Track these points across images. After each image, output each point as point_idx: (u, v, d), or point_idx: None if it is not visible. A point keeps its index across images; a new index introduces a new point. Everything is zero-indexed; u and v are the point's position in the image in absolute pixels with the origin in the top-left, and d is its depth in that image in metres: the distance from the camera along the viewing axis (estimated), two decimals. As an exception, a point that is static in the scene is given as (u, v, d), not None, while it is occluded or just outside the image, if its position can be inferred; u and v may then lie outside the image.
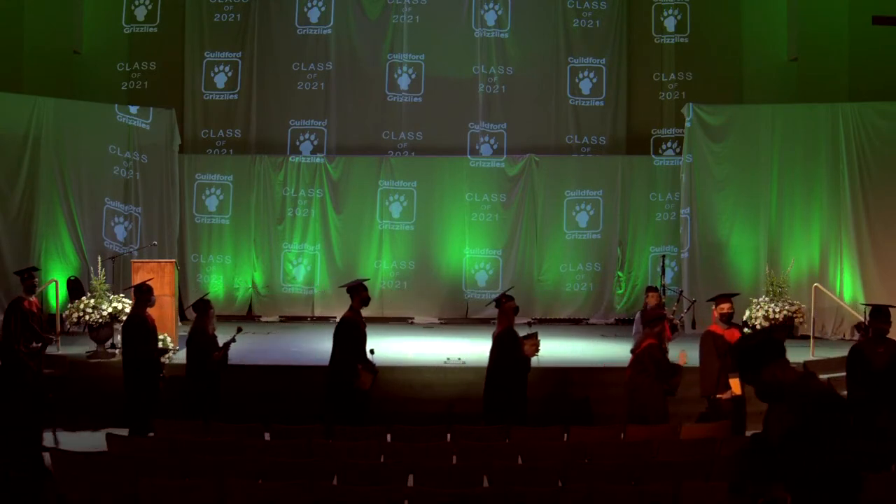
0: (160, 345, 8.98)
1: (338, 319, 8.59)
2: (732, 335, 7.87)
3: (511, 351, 8.08)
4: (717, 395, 7.87)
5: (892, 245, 12.68)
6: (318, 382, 9.68)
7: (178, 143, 14.55)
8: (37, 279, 9.24)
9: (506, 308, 8.34)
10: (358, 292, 8.32)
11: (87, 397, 9.40)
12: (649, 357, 7.66)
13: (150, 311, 8.80)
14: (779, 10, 14.87)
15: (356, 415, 7.95)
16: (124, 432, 7.65)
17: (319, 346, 11.78)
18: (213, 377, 8.33)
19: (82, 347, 10.63)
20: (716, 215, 13.38)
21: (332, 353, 8.27)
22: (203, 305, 8.54)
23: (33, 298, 9.04)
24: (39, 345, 8.94)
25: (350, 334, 8.16)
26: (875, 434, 6.31)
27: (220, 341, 8.52)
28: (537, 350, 8.16)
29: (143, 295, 8.58)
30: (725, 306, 8.06)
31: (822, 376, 8.56)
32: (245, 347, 11.38)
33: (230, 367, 8.75)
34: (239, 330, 8.65)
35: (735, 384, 7.79)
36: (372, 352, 8.27)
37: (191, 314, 10.01)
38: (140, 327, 8.46)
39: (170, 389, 8.62)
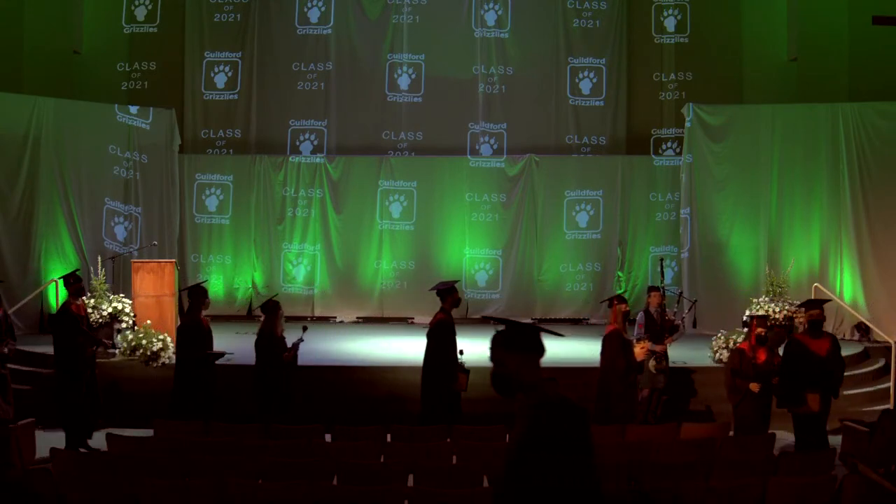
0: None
1: (428, 321, 8.52)
2: (821, 346, 7.68)
3: (615, 355, 8.17)
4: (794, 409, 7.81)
5: (892, 245, 12.68)
6: (319, 382, 9.71)
7: (178, 143, 14.55)
8: (82, 282, 9.14)
9: (614, 310, 8.42)
10: (450, 293, 8.30)
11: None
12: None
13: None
14: (779, 10, 14.87)
15: (451, 414, 7.91)
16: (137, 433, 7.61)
17: (320, 346, 11.79)
18: (284, 378, 8.27)
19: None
20: (716, 215, 13.38)
21: (426, 354, 8.23)
22: (272, 306, 8.45)
23: (80, 302, 8.92)
24: (96, 349, 8.84)
25: (445, 336, 8.13)
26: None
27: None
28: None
29: (199, 297, 8.50)
30: (815, 312, 7.88)
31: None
32: (245, 347, 11.37)
33: (300, 367, 8.72)
34: (305, 329, 8.57)
35: (813, 400, 7.66)
36: (461, 352, 8.24)
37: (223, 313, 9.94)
38: (196, 330, 8.40)
39: (233, 389, 8.54)
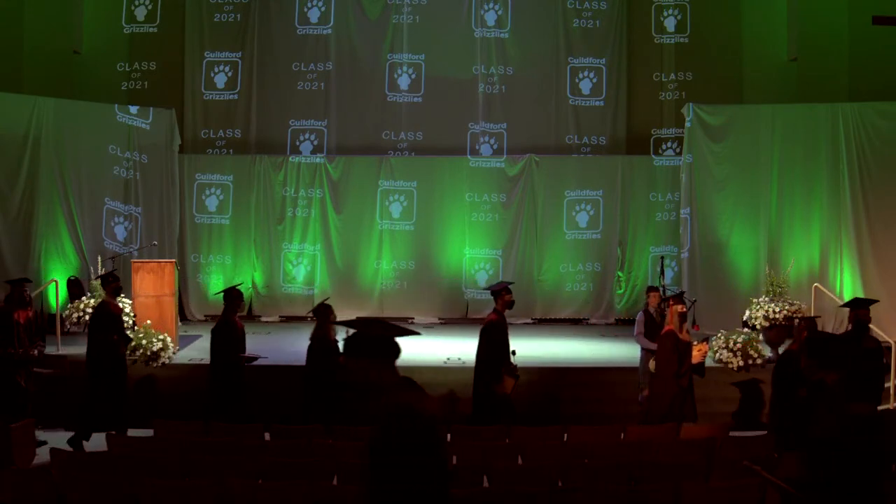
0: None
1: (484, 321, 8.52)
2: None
3: (669, 356, 8.05)
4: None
5: (892, 245, 12.67)
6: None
7: (178, 143, 14.55)
8: (120, 281, 9.14)
9: (671, 310, 8.25)
10: (501, 295, 8.31)
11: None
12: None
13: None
14: (779, 10, 14.87)
15: (503, 415, 7.91)
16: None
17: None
18: (337, 382, 8.22)
19: (82, 347, 10.60)
20: (716, 215, 13.37)
21: (477, 354, 8.24)
22: (324, 310, 8.41)
23: (117, 301, 8.95)
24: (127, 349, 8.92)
25: (496, 337, 8.11)
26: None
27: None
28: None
29: (234, 300, 8.52)
30: (862, 312, 7.89)
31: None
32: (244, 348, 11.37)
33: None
34: (513, 353, 8.42)
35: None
36: (514, 353, 8.23)
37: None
38: (230, 332, 8.39)
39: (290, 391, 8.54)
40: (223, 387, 8.34)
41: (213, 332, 8.60)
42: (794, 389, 7.61)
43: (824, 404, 5.19)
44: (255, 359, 8.73)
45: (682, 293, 9.11)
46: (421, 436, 2.95)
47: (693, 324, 9.17)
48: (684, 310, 8.18)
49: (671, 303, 8.23)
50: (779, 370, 7.88)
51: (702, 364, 8.24)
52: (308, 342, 8.44)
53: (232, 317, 8.54)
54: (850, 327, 7.86)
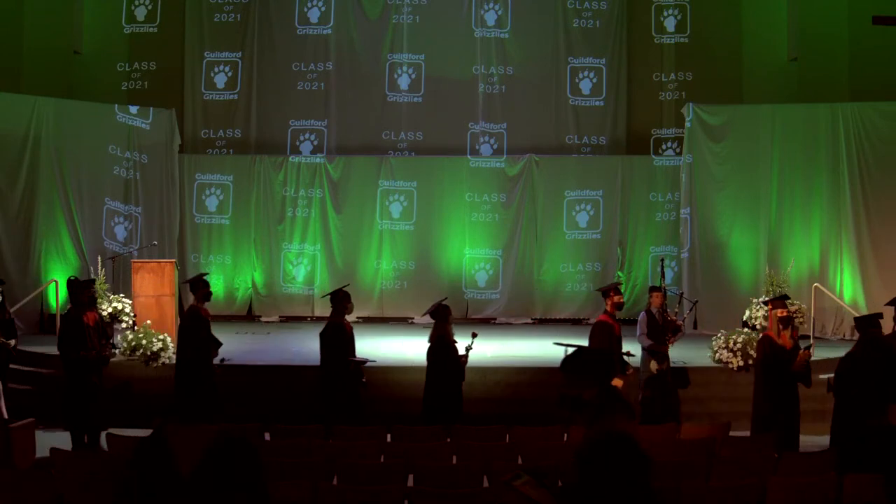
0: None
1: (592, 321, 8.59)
2: None
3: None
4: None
5: (892, 245, 12.68)
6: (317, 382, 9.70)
7: (178, 143, 14.55)
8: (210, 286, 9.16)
9: (770, 315, 8.12)
10: (610, 296, 8.32)
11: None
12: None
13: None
14: (779, 10, 14.87)
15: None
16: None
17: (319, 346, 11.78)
18: (456, 383, 8.21)
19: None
20: (716, 215, 13.38)
21: None
22: (443, 311, 8.31)
23: (204, 306, 8.97)
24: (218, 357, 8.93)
25: (601, 337, 8.13)
26: None
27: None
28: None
29: (341, 302, 8.47)
30: None
31: (822, 376, 8.54)
32: (245, 347, 11.39)
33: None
34: (475, 335, 8.40)
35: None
36: (629, 354, 8.27)
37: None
38: (339, 334, 8.36)
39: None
40: (337, 390, 8.25)
41: (321, 335, 8.50)
42: (783, 377, 7.58)
43: (585, 419, 5.03)
44: (365, 362, 8.61)
45: (683, 297, 9.16)
46: (243, 464, 2.96)
47: (675, 333, 9.09)
48: (784, 314, 7.85)
49: (770, 306, 8.02)
50: (764, 361, 7.87)
51: (806, 372, 7.73)
52: (428, 343, 8.34)
53: (340, 319, 8.44)
54: (895, 327, 7.74)
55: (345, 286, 9.10)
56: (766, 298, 8.55)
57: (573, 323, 14.64)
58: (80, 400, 8.34)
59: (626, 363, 8.37)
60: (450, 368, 8.18)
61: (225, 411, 8.61)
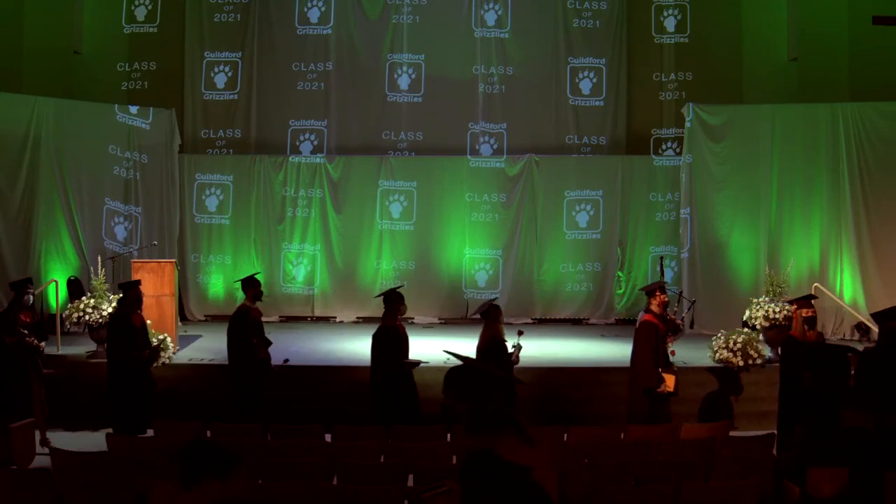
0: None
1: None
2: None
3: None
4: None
5: (892, 245, 12.68)
6: (318, 382, 9.71)
7: (178, 143, 14.55)
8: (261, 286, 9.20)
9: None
10: (655, 294, 8.29)
11: (87, 397, 9.38)
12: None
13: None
14: (779, 10, 14.87)
15: (658, 416, 7.90)
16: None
17: (319, 346, 11.80)
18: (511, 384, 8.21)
19: (82, 347, 10.63)
20: (716, 215, 13.38)
21: (632, 354, 8.22)
22: (494, 311, 8.25)
23: (256, 306, 8.98)
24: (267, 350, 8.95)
25: (648, 338, 8.09)
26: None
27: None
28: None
29: (394, 303, 8.47)
30: None
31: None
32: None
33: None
34: (521, 333, 8.36)
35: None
36: (673, 353, 8.29)
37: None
38: (394, 336, 8.33)
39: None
40: (393, 392, 8.20)
41: (374, 337, 8.44)
42: (800, 374, 7.52)
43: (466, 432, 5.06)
44: (418, 363, 8.55)
45: (682, 296, 9.11)
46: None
47: (675, 333, 9.07)
48: (809, 313, 7.72)
49: (796, 306, 7.96)
50: (784, 356, 7.81)
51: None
52: (480, 344, 8.27)
53: (393, 321, 8.40)
54: None
55: (399, 287, 9.02)
56: (791, 298, 8.51)
57: (573, 323, 14.64)
58: (133, 399, 8.37)
59: (673, 366, 8.24)
60: (503, 368, 8.16)
61: (269, 413, 8.59)
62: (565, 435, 7.07)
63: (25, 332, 8.45)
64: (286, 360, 9.06)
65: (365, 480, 5.66)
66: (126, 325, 8.54)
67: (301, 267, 14.95)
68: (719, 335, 10.32)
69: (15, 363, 8.31)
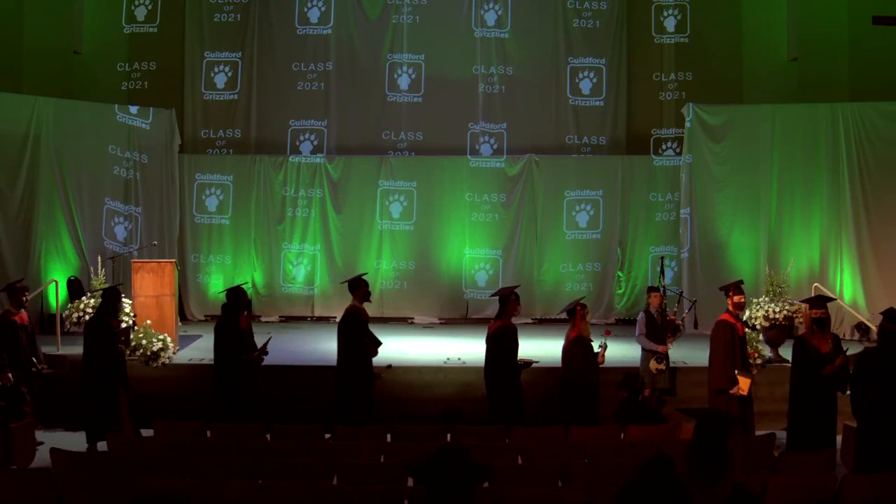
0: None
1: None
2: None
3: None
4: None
5: (892, 245, 12.68)
6: (318, 382, 9.71)
7: (178, 143, 14.55)
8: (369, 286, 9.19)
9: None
10: (729, 293, 8.28)
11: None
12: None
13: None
14: (779, 10, 14.87)
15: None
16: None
17: (319, 346, 11.79)
18: (595, 382, 8.24)
19: (82, 347, 10.60)
20: (716, 215, 13.38)
21: (709, 355, 8.20)
22: (580, 310, 8.23)
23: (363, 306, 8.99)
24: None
25: (725, 337, 8.07)
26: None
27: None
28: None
29: (509, 303, 8.39)
30: None
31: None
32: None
33: None
34: (608, 333, 8.39)
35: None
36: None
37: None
38: (510, 336, 8.27)
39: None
40: (504, 391, 8.20)
41: (491, 338, 8.39)
42: (817, 379, 7.24)
43: None
44: (531, 363, 8.55)
45: (682, 296, 9.02)
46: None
47: (674, 333, 9.05)
48: (818, 315, 7.48)
49: (807, 306, 7.90)
50: (798, 363, 7.52)
51: (839, 378, 7.23)
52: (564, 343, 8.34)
53: (507, 321, 8.35)
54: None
55: (515, 287, 8.95)
56: (804, 298, 8.49)
57: (573, 323, 14.62)
58: (246, 400, 8.40)
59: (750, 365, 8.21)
60: (589, 367, 8.17)
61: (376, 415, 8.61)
62: (565, 435, 7.07)
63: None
64: (389, 366, 9.22)
65: (365, 480, 5.66)
66: (234, 330, 8.54)
67: (301, 267, 14.95)
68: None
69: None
